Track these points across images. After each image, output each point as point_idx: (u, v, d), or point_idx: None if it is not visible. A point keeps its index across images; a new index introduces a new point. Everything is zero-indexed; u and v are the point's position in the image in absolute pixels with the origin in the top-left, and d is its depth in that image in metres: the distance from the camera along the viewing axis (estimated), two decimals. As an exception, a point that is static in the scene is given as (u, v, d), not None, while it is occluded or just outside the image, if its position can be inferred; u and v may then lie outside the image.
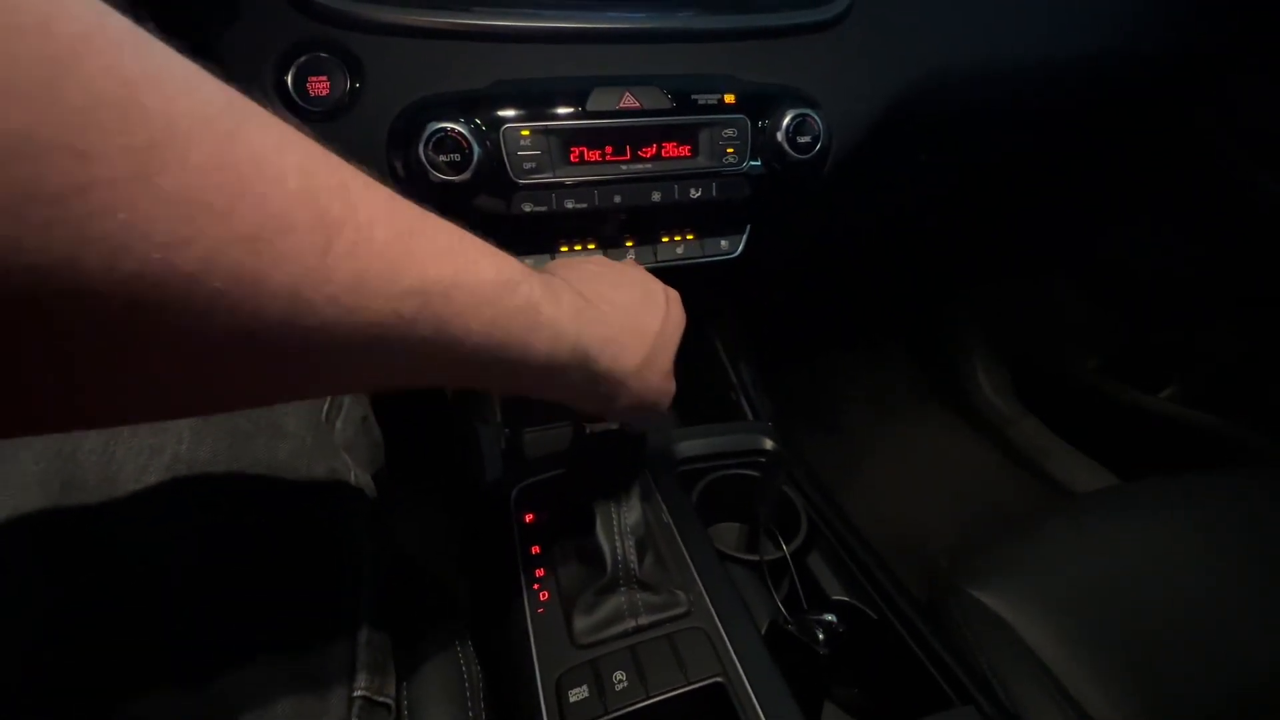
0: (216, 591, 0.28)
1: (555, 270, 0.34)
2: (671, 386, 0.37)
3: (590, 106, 0.46)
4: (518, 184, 0.45)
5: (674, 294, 0.39)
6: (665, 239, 0.54)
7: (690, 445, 0.57)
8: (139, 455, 0.28)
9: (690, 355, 0.79)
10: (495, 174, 0.44)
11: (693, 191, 0.50)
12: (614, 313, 0.32)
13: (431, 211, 0.22)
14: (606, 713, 0.35)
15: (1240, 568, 0.55)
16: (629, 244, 0.54)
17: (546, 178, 0.46)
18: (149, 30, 0.15)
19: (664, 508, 0.48)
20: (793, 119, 0.50)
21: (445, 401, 0.66)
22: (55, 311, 0.13)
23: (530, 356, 0.25)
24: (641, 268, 0.40)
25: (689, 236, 0.55)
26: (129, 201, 0.13)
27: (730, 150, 0.50)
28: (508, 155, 0.44)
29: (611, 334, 0.31)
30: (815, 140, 0.51)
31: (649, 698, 0.35)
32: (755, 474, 0.58)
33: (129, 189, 0.13)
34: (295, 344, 0.17)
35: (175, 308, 0.14)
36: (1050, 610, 0.52)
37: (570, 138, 0.46)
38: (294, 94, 0.42)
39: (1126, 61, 0.73)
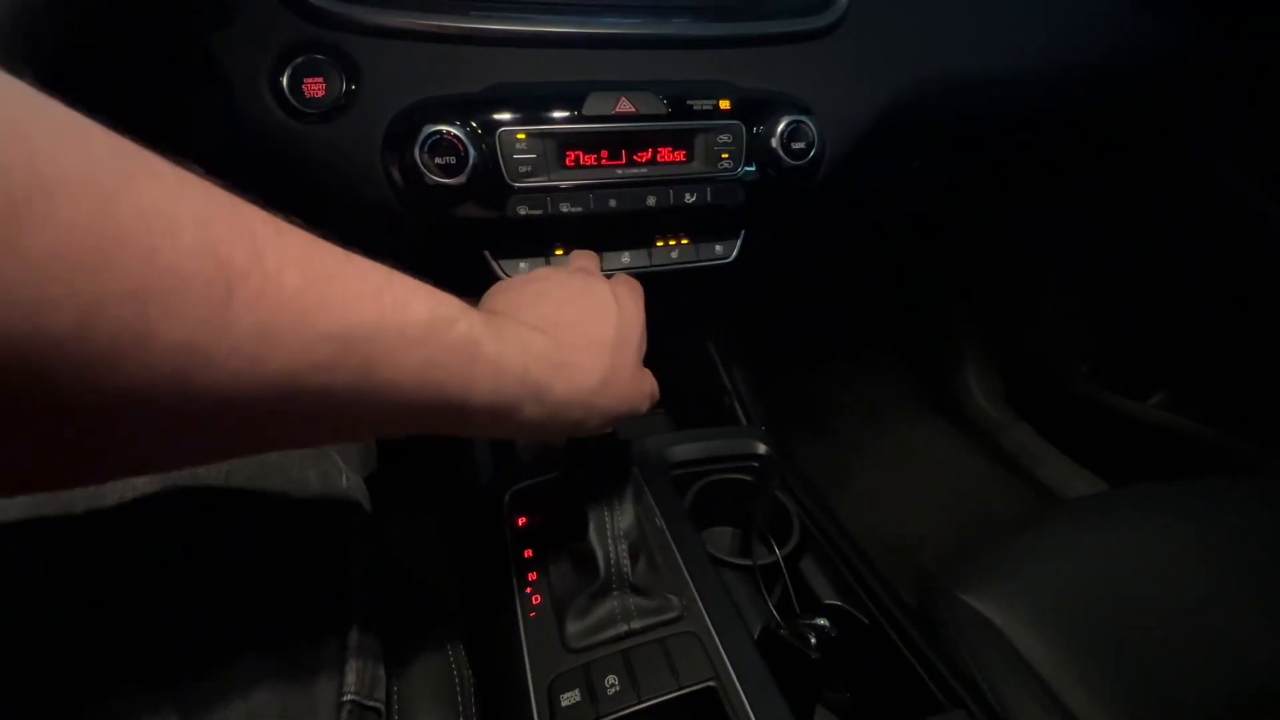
0: (204, 594, 0.28)
1: (495, 299, 0.34)
2: (646, 385, 0.36)
3: (586, 111, 0.46)
4: (513, 187, 0.45)
5: (623, 289, 0.38)
6: (660, 243, 0.55)
7: (683, 450, 0.57)
8: None
9: (684, 360, 0.79)
10: (490, 177, 0.45)
11: (687, 196, 0.51)
12: (563, 333, 0.31)
13: (358, 254, 0.21)
14: (599, 717, 0.35)
15: (1228, 574, 0.56)
16: (623, 248, 0.54)
17: (541, 181, 0.46)
18: (27, 82, 0.14)
19: (657, 512, 0.48)
20: (787, 125, 0.50)
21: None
22: None
23: (473, 396, 0.24)
24: (583, 270, 0.39)
25: (683, 241, 0.55)
26: None
27: (725, 156, 0.50)
28: (503, 158, 0.45)
29: (564, 358, 0.30)
30: (809, 147, 0.52)
31: (641, 702, 0.35)
32: (748, 479, 0.58)
33: None
34: (200, 398, 0.17)
35: (46, 371, 0.14)
36: (1039, 615, 0.52)
37: (566, 142, 0.46)
38: (289, 96, 0.42)
39: (1119, 69, 0.74)
